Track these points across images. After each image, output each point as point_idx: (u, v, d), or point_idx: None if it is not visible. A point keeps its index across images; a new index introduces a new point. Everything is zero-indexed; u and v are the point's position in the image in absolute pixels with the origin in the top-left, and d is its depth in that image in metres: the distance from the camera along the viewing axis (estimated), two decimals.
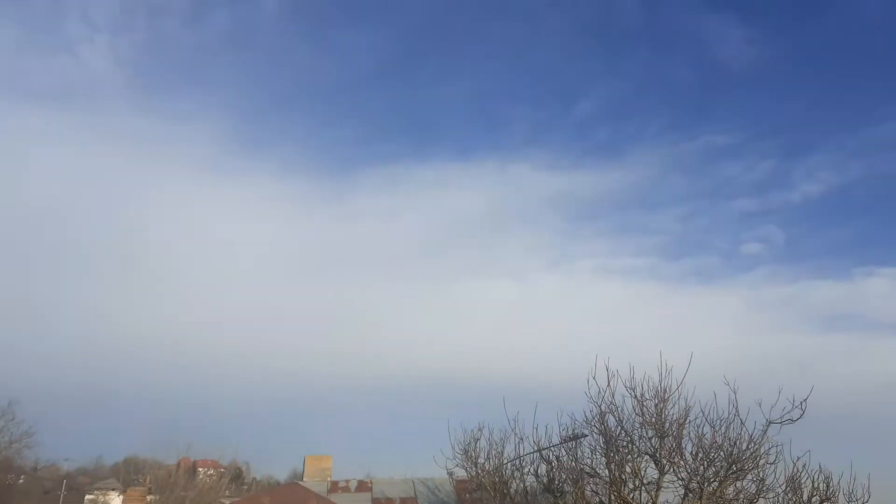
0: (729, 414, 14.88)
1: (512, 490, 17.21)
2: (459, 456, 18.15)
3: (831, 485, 14.18)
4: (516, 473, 17.38)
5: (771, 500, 14.99)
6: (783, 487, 14.63)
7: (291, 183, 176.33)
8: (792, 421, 14.49)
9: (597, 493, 16.12)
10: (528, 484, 17.26)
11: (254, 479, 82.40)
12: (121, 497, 61.87)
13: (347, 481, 23.94)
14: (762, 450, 14.71)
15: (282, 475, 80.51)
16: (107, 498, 64.42)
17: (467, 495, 19.72)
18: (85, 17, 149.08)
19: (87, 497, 64.33)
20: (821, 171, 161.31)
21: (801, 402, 14.37)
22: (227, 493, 50.22)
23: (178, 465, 51.08)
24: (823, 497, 14.18)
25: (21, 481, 50.55)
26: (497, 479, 17.22)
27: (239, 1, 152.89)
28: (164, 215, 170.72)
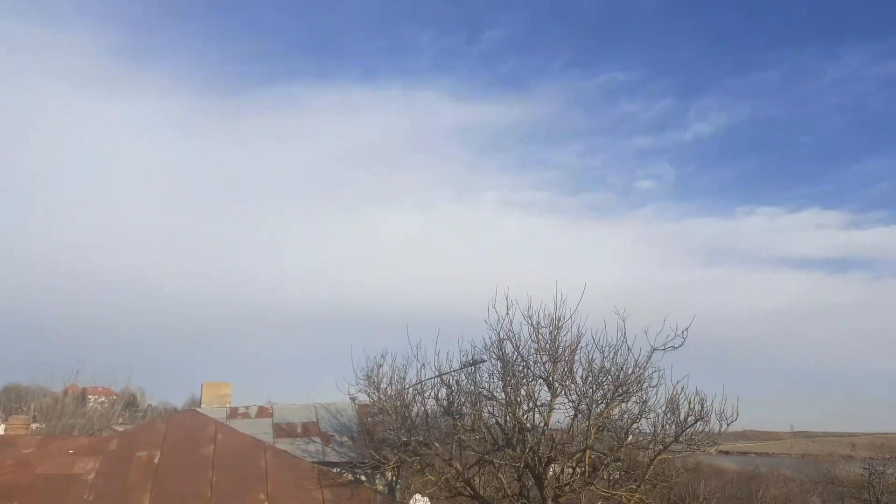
0: (617, 341, 15.95)
1: (413, 413, 17.77)
2: (362, 381, 18.46)
3: (705, 405, 15.62)
4: (417, 398, 17.93)
5: (651, 419, 16.34)
6: (663, 408, 15.97)
7: (182, 99, 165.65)
8: (674, 348, 15.69)
9: (493, 415, 16.98)
10: (428, 407, 17.88)
11: (149, 405, 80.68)
12: (2, 426, 59.03)
13: (247, 407, 23.80)
14: (646, 374, 15.92)
15: (178, 402, 79.28)
16: None
17: (369, 419, 20.15)
18: None
19: None
20: (712, 111, 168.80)
21: (682, 331, 15.55)
22: (120, 419, 49.00)
23: (66, 392, 49.04)
24: (698, 416, 15.60)
25: None
26: (399, 403, 17.69)
27: None
28: (42, 131, 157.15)
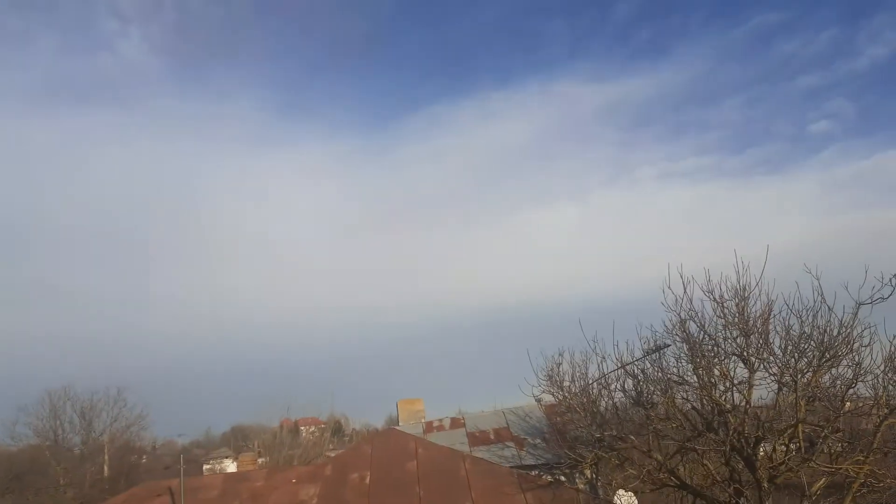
0: (815, 302, 14.35)
1: (601, 407, 17.32)
2: (544, 382, 18.34)
3: None
4: (603, 391, 17.45)
5: (870, 382, 14.54)
6: (882, 368, 14.15)
7: (340, 142, 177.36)
8: (883, 299, 13.85)
9: (688, 400, 16.02)
10: (616, 400, 17.33)
11: (353, 429, 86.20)
12: (234, 463, 65.95)
13: (441, 420, 24.61)
14: (854, 333, 14.16)
15: (378, 422, 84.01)
16: (222, 465, 68.82)
17: (558, 418, 19.97)
18: (114, 10, 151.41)
19: (205, 467, 68.89)
20: (886, 30, 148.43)
21: (890, 279, 13.69)
22: (330, 446, 52.78)
23: (281, 426, 53.72)
24: None
25: (144, 460, 54.52)
26: (585, 399, 17.33)
27: None
28: (225, 194, 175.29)
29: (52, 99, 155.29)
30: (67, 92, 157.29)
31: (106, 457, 44.41)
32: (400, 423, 25.99)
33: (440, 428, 23.54)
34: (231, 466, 65.28)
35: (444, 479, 18.24)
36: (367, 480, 18.68)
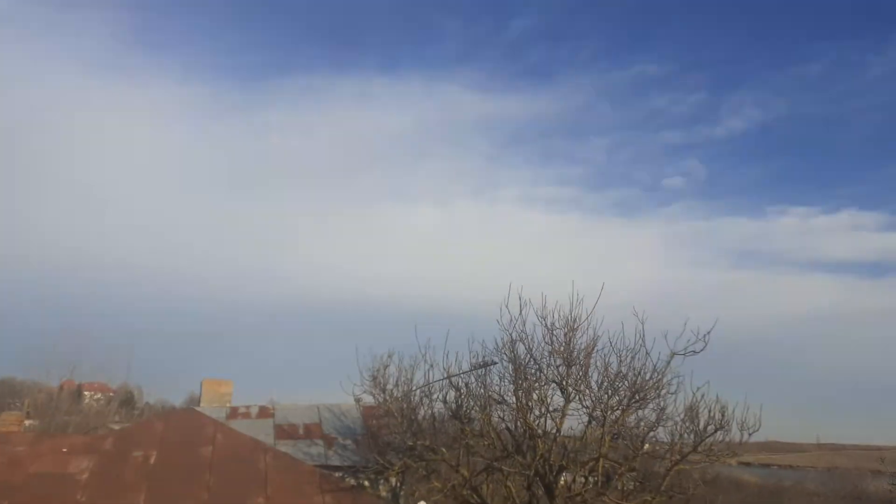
0: (635, 344, 15.76)
1: (420, 416, 17.78)
2: (368, 382, 18.49)
3: (726, 414, 15.44)
4: (425, 400, 17.92)
5: (669, 428, 16.21)
6: (682, 416, 15.82)
7: (197, 88, 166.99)
8: (695, 353, 15.51)
9: (503, 420, 16.92)
10: (436, 410, 17.87)
11: (146, 403, 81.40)
12: None
13: (248, 407, 23.95)
14: (665, 380, 15.73)
15: (177, 400, 79.91)
16: None
17: (374, 421, 20.19)
18: None
19: None
20: (746, 106, 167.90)
21: (704, 335, 15.37)
22: (116, 417, 49.49)
23: (61, 387, 49.53)
24: (718, 426, 15.44)
25: None
26: (405, 406, 17.70)
27: None
28: (52, 115, 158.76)
29: None
30: None
31: None
32: (201, 405, 24.96)
33: (245, 415, 22.91)
34: None
35: (240, 470, 17.77)
36: (152, 461, 17.75)
